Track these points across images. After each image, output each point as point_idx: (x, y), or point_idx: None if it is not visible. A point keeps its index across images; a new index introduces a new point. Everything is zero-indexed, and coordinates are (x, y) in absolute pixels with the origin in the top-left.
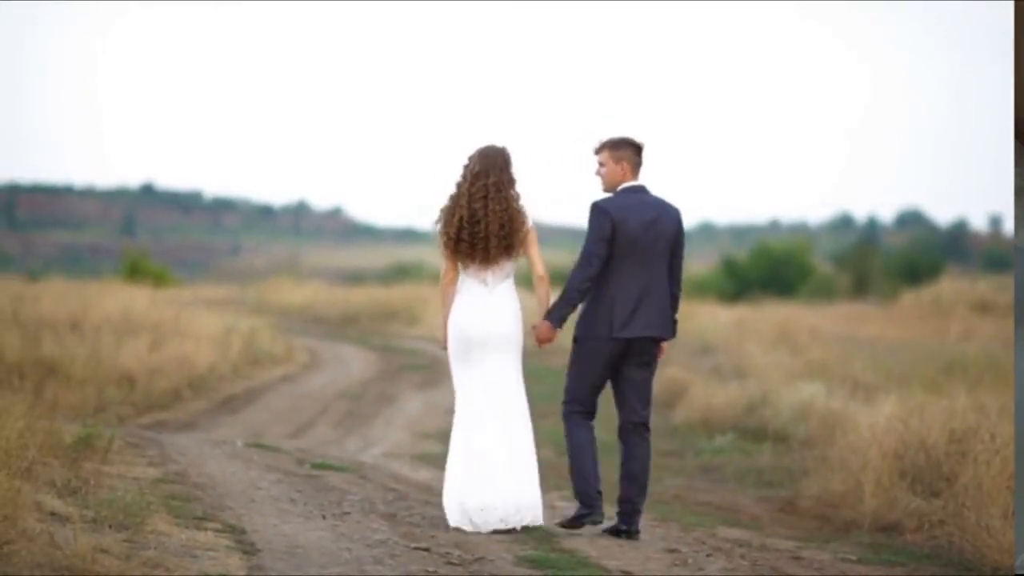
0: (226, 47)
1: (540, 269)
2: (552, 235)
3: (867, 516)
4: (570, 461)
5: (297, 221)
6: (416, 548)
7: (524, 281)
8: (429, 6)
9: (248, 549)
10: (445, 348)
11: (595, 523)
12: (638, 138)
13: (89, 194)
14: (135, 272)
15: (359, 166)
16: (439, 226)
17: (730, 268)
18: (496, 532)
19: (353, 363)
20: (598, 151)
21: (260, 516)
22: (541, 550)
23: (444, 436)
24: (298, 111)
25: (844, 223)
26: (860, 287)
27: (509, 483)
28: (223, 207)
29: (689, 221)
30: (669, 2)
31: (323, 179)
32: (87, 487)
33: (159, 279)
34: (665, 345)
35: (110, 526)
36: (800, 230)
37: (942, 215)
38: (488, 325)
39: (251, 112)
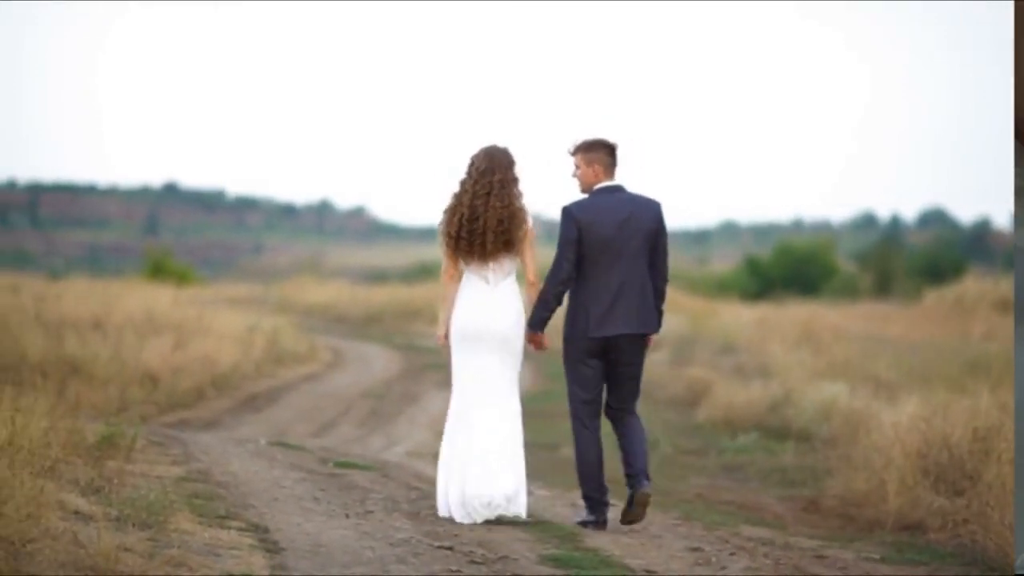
0: (250, 46)
1: (531, 275)
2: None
3: (890, 515)
4: (579, 468)
5: (320, 220)
6: (439, 547)
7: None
8: (452, 5)
9: (271, 548)
10: (444, 344)
11: (598, 527)
12: (611, 139)
13: (112, 193)
14: (158, 271)
15: (382, 165)
16: (441, 225)
17: (753, 267)
18: (487, 523)
19: (376, 362)
20: (573, 153)
21: (283, 515)
22: (564, 548)
23: None
24: (321, 110)
25: (867, 222)
26: (883, 286)
27: (495, 474)
28: (246, 206)
29: (712, 220)
30: (696, 1)
31: (346, 178)
32: (110, 486)
33: (182, 278)
34: (652, 337)
35: (133, 525)
36: (823, 229)
37: (965, 214)
38: (489, 322)
39: (274, 111)
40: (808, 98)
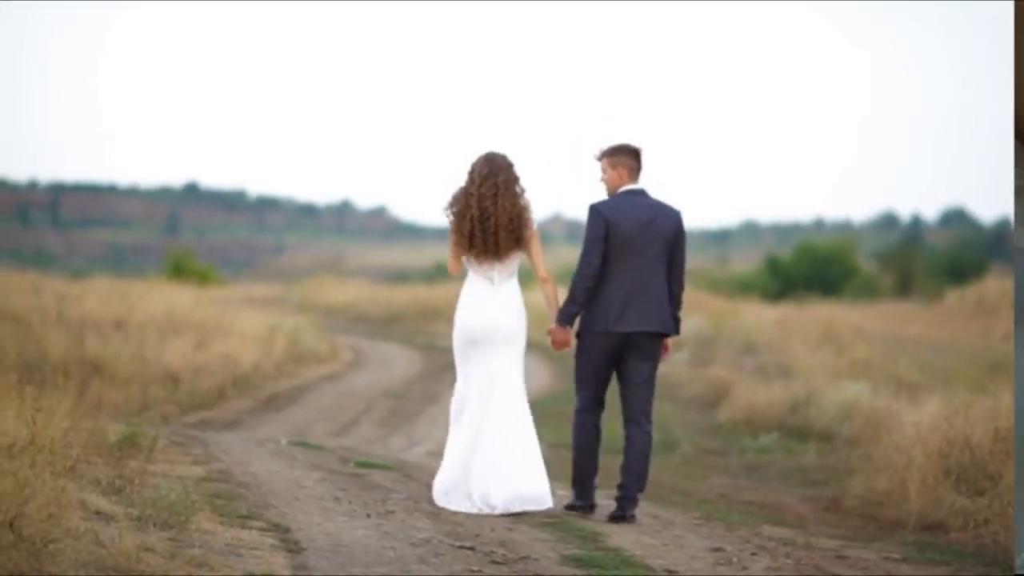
0: (272, 45)
1: (542, 272)
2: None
3: (912, 515)
4: (573, 454)
5: (341, 220)
6: (460, 547)
7: (525, 277)
8: (472, 7)
9: (292, 547)
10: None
11: (585, 512)
12: (635, 144)
13: (133, 193)
14: (179, 271)
15: (403, 165)
16: (450, 226)
17: (774, 267)
18: (508, 522)
19: (397, 362)
20: (599, 158)
21: (304, 514)
22: (586, 549)
23: None
24: (342, 110)
25: (888, 222)
26: (904, 286)
27: (510, 471)
28: (267, 206)
29: (733, 220)
30: (715, 1)
31: (367, 178)
32: (132, 486)
33: (203, 278)
34: (670, 342)
35: (155, 525)
36: (844, 229)
37: (986, 213)
38: (493, 322)
39: (295, 111)
40: (829, 98)
